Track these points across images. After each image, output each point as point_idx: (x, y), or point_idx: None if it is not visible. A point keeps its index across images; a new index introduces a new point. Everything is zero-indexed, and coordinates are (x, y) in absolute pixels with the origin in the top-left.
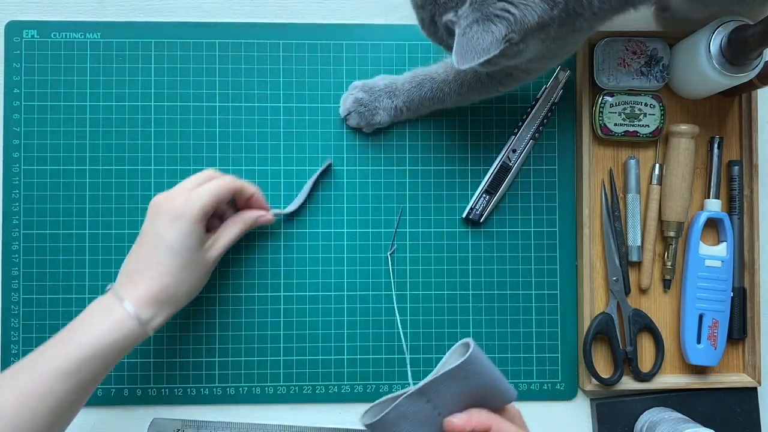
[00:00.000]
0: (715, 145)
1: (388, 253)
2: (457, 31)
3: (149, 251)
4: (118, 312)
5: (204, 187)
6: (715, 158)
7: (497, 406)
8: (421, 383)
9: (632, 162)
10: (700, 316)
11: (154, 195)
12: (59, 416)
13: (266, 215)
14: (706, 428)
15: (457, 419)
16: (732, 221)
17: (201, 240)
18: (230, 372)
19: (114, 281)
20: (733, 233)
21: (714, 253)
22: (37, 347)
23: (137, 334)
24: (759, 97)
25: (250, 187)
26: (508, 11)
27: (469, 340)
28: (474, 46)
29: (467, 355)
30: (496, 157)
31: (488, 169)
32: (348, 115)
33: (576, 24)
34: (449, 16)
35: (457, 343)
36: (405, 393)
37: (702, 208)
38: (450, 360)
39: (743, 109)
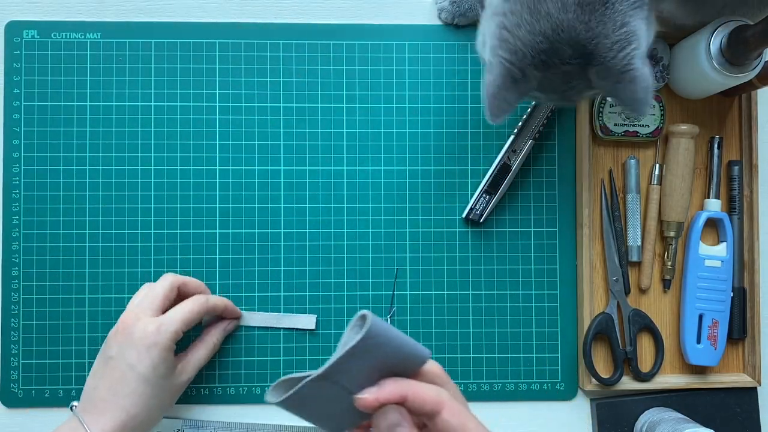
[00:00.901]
0: (715, 145)
1: (388, 316)
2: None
3: (118, 380)
4: None
5: (176, 312)
6: (715, 158)
7: (412, 371)
8: (322, 368)
9: (632, 162)
10: (700, 316)
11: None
12: None
13: (233, 323)
14: (706, 428)
15: (367, 394)
16: (732, 221)
17: (172, 366)
18: (230, 372)
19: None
20: (733, 233)
21: (714, 253)
22: None
23: None
24: (759, 97)
25: (220, 304)
26: (631, 63)
27: (366, 312)
28: (632, 99)
29: (365, 330)
30: (496, 157)
31: (488, 169)
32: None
33: None
34: (588, 94)
35: (355, 316)
36: (307, 377)
37: (702, 208)
38: (349, 336)
39: (743, 109)
